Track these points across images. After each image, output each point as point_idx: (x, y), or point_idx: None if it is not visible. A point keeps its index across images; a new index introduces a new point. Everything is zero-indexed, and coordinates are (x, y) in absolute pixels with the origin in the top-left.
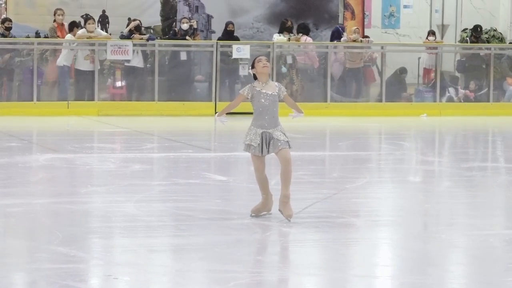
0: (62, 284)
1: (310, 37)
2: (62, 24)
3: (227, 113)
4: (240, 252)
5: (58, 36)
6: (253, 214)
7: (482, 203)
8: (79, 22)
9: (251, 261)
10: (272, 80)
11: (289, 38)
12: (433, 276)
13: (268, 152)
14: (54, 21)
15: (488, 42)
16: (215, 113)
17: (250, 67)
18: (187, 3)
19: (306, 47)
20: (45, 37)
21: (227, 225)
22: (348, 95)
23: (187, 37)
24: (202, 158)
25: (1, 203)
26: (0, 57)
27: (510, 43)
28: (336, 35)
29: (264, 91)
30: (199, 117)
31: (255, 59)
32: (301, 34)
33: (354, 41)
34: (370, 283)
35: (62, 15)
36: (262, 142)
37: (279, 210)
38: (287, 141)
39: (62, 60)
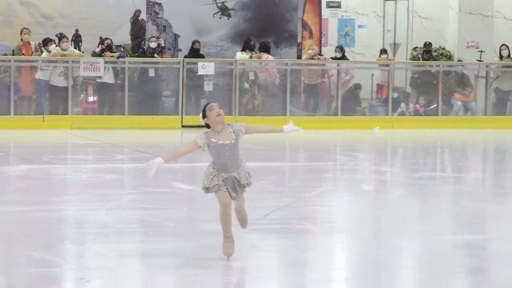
0: (39, 287)
1: (271, 54)
2: (28, 43)
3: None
4: (205, 257)
5: (23, 54)
6: (225, 257)
7: (432, 210)
8: (52, 40)
9: (217, 266)
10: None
11: (251, 56)
12: (386, 280)
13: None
14: (21, 39)
15: (438, 59)
16: (182, 126)
17: (201, 116)
18: (155, 23)
19: (267, 64)
20: (12, 54)
21: (193, 231)
22: (306, 109)
23: (155, 55)
24: (169, 169)
25: None
26: None
27: (458, 60)
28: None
29: (221, 142)
30: (167, 130)
31: (205, 106)
32: (262, 53)
33: (312, 58)
34: (327, 286)
35: (28, 34)
36: (227, 187)
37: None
38: (247, 183)
39: (39, 75)
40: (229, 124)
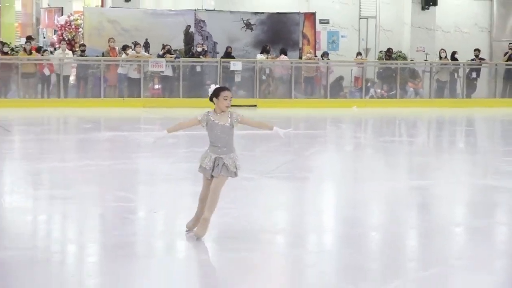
0: (121, 216)
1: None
2: (114, 48)
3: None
4: (239, 194)
5: (110, 55)
6: (187, 230)
7: (392, 163)
8: (129, 46)
9: (246, 200)
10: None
11: (267, 57)
12: (359, 211)
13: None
14: (108, 46)
15: (396, 59)
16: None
17: (212, 93)
18: (200, 34)
19: (282, 62)
20: (102, 55)
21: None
22: (305, 94)
23: (201, 56)
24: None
25: (79, 163)
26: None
27: (410, 60)
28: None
29: (217, 121)
30: (207, 108)
31: (220, 90)
32: (281, 54)
33: (309, 59)
34: (318, 214)
35: (113, 42)
36: (213, 166)
37: (188, 230)
38: (234, 171)
39: (120, 70)
40: (230, 111)
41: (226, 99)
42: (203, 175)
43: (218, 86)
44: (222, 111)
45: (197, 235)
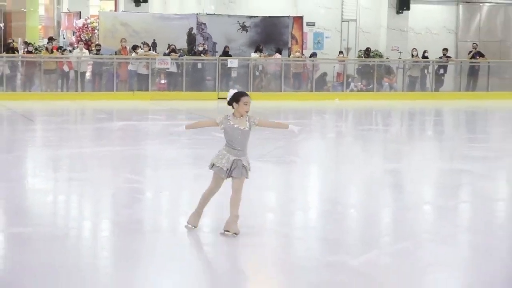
0: (130, 196)
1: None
2: (125, 47)
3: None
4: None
5: (121, 54)
6: (191, 226)
7: (369, 149)
8: (139, 46)
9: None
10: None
11: (260, 55)
12: (339, 191)
13: (228, 177)
14: (120, 45)
15: (373, 57)
16: (218, 98)
17: (232, 97)
18: (201, 35)
19: (273, 60)
20: (115, 54)
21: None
22: (293, 88)
23: (202, 55)
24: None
25: (94, 149)
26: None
27: (386, 58)
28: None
29: (237, 125)
30: (208, 101)
31: (241, 95)
32: (276, 53)
33: (298, 57)
34: (302, 188)
35: (125, 42)
36: (230, 168)
37: (226, 230)
38: (247, 172)
39: (131, 67)
40: (247, 115)
41: (246, 104)
42: (216, 174)
43: (236, 91)
44: (241, 116)
45: (234, 232)
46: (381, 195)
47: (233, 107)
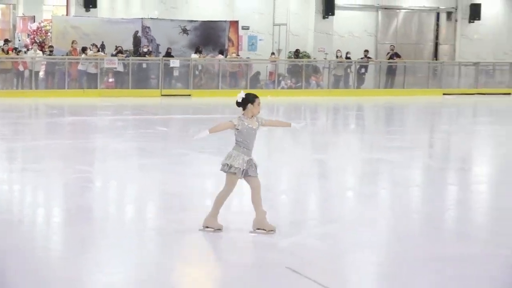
0: (80, 185)
1: (223, 55)
2: (76, 49)
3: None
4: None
5: (72, 55)
6: (210, 228)
7: (298, 141)
8: (89, 47)
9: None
10: None
11: (199, 56)
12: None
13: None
14: (71, 47)
15: (302, 58)
16: (161, 95)
17: (244, 98)
18: (146, 37)
19: (211, 60)
20: (66, 55)
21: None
22: (230, 86)
23: (146, 56)
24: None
25: (46, 143)
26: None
27: (313, 59)
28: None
29: (250, 126)
30: (152, 97)
31: (254, 96)
32: (219, 54)
33: (234, 57)
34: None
35: (76, 43)
36: (246, 168)
37: (258, 228)
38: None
39: (81, 67)
40: (256, 116)
41: (259, 105)
42: (231, 175)
43: (247, 93)
44: (253, 116)
45: (270, 230)
46: (309, 183)
47: (244, 108)
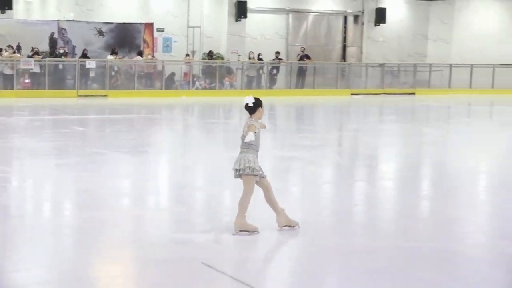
0: None
1: (140, 56)
2: None
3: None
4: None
5: None
6: (250, 232)
7: (213, 139)
8: (4, 49)
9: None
10: None
11: (115, 57)
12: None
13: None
14: None
15: (216, 59)
16: (78, 95)
17: (257, 103)
18: (62, 39)
19: (126, 62)
20: None
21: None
22: (145, 86)
23: (62, 57)
24: (66, 119)
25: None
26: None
27: (227, 60)
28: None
29: (260, 129)
30: (69, 98)
31: (261, 101)
32: (137, 56)
33: (149, 59)
34: (157, 183)
35: None
36: (233, 167)
37: (285, 225)
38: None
39: None
40: (251, 119)
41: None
42: (252, 178)
43: (254, 96)
44: (259, 119)
45: (295, 225)
46: (223, 180)
47: (254, 112)
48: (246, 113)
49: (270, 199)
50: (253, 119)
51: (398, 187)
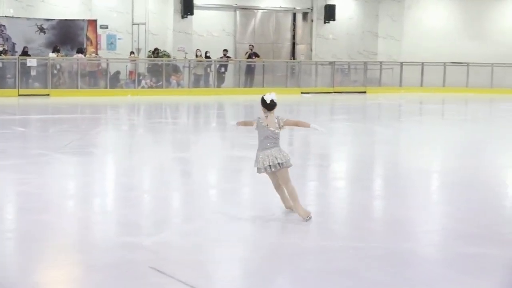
0: None
1: (83, 54)
2: None
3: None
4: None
5: None
6: (307, 218)
7: (160, 139)
8: None
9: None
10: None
11: (57, 55)
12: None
13: (271, 170)
14: None
15: (162, 57)
16: (18, 95)
17: (274, 101)
18: (1, 36)
19: (68, 59)
20: None
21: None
22: (89, 86)
23: (2, 55)
24: (6, 120)
25: None
26: None
27: (173, 58)
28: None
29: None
30: (10, 97)
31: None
32: (77, 53)
33: (92, 57)
34: (103, 185)
35: None
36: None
37: (289, 208)
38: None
39: None
40: (274, 115)
41: None
42: (288, 169)
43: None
44: (266, 116)
45: (308, 216)
46: (171, 181)
47: (274, 108)
48: (195, 112)
49: (279, 187)
50: (273, 115)
51: (351, 187)
